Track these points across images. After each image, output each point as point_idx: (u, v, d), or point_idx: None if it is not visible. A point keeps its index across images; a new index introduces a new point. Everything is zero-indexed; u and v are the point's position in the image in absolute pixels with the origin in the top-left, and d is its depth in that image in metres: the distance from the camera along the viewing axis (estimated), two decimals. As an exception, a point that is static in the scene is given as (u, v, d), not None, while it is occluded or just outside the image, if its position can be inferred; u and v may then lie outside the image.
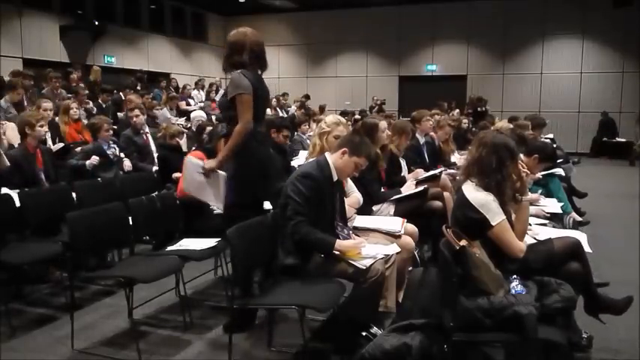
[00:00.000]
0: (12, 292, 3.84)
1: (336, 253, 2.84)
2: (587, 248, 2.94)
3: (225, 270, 4.01)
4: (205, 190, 3.36)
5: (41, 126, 4.33)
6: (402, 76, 16.48)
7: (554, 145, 6.82)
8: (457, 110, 12.12)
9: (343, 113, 10.45)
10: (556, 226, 3.68)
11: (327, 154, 3.07)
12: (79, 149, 5.33)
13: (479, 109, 12.53)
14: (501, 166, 2.62)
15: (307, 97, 13.65)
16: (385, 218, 3.76)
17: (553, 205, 4.03)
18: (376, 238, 3.23)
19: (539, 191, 4.27)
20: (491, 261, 2.46)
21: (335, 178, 3.03)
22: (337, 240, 2.87)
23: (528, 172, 2.89)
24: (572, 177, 6.57)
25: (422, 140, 5.62)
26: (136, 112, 5.81)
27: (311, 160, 3.31)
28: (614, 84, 14.50)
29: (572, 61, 14.75)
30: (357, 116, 10.99)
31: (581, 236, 3.15)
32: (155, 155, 5.71)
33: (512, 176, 2.68)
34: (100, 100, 8.18)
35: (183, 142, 5.68)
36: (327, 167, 3.00)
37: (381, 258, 2.84)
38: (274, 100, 12.27)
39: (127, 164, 5.40)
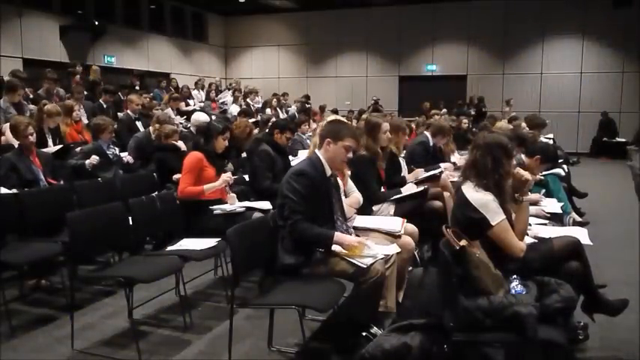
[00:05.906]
0: (12, 292, 3.84)
1: (337, 249, 2.84)
2: (587, 241, 2.93)
3: (225, 270, 4.01)
4: None
5: (31, 134, 4.31)
6: (402, 76, 16.47)
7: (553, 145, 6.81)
8: (444, 110, 12.06)
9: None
10: (556, 225, 3.67)
11: (317, 151, 3.07)
12: (78, 149, 5.33)
13: (482, 109, 12.50)
14: (498, 166, 2.62)
15: (307, 97, 13.63)
16: (385, 218, 3.76)
17: (553, 205, 4.03)
18: (376, 238, 3.22)
19: (542, 192, 4.26)
20: (491, 261, 2.46)
21: (329, 172, 3.03)
22: (336, 232, 2.87)
23: (529, 177, 2.86)
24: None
25: (432, 142, 5.52)
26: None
27: (303, 158, 3.31)
28: (614, 84, 14.49)
29: (572, 61, 14.75)
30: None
31: (581, 232, 3.15)
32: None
33: (511, 173, 2.67)
34: (101, 101, 8.17)
35: (180, 144, 5.65)
36: (320, 163, 3.00)
37: (381, 258, 2.84)
38: (274, 100, 12.26)
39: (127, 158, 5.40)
